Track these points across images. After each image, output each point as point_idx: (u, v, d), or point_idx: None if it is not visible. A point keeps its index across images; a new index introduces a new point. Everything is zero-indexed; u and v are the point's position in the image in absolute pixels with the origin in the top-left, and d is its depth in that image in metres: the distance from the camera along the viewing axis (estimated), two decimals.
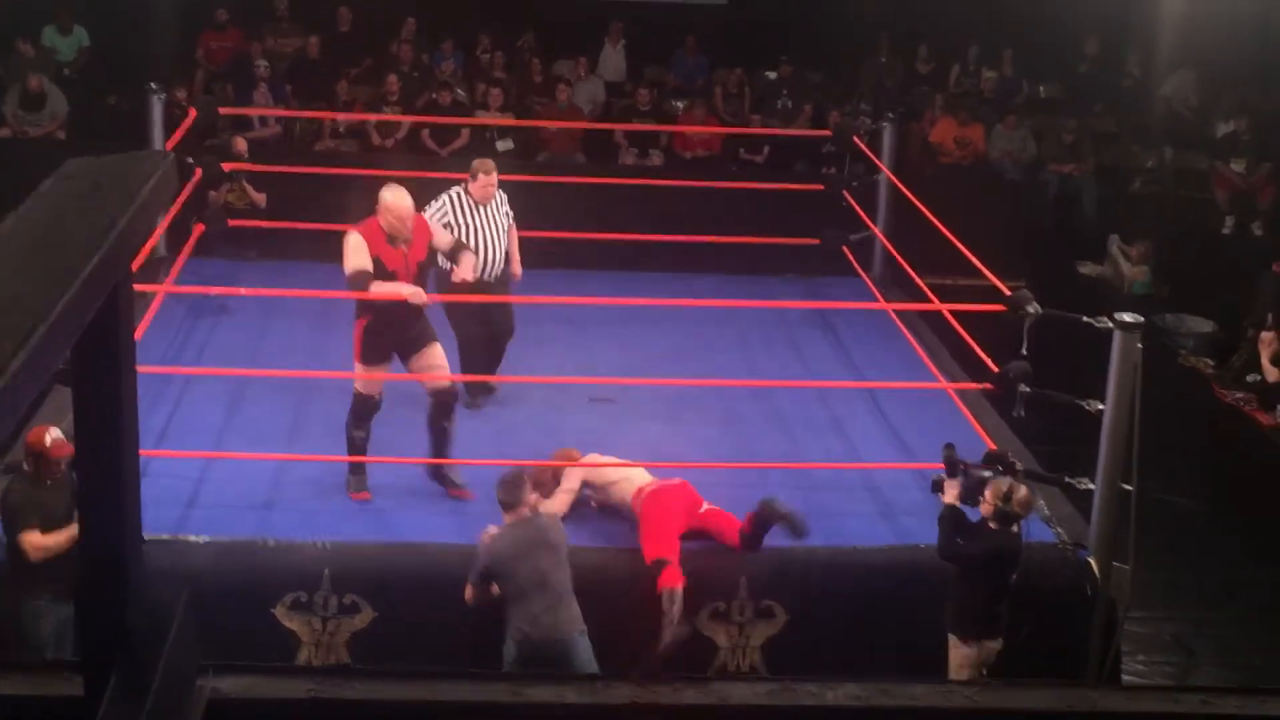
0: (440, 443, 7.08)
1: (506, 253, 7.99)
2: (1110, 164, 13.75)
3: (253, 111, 12.68)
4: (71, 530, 5.94)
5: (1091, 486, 6.71)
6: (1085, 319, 6.72)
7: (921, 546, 6.56)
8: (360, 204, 7.18)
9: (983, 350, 7.54)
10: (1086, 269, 13.01)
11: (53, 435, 6.06)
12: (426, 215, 7.38)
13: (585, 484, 6.96)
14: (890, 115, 11.12)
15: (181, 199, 8.73)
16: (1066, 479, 6.93)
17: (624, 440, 7.29)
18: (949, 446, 6.44)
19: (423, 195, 7.51)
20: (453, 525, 6.76)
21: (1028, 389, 6.87)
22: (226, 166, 10.03)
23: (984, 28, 14.42)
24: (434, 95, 12.88)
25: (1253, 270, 11.54)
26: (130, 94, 12.18)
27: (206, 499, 6.87)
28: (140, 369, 2.17)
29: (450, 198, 7.88)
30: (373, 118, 12.69)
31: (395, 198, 6.82)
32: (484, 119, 12.81)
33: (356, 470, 7.04)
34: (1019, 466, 6.61)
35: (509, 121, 12.86)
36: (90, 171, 2.01)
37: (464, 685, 2.39)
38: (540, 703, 2.37)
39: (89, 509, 2.11)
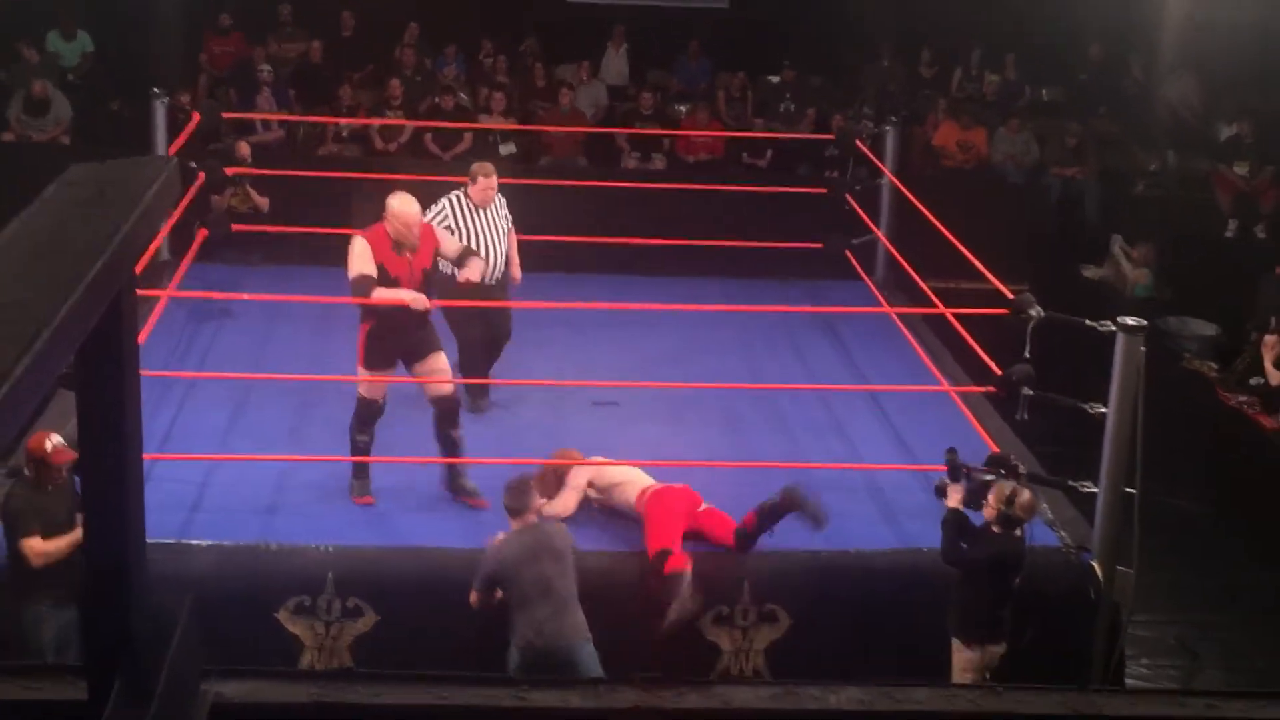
0: (450, 454, 7.07)
1: (506, 256, 8.00)
2: (1113, 167, 13.75)
3: (256, 116, 12.69)
4: (72, 536, 5.94)
5: (1095, 490, 6.71)
6: (1088, 322, 6.72)
7: (924, 550, 6.55)
8: (363, 208, 7.19)
9: (985, 353, 7.54)
10: (1089, 272, 13.00)
11: (53, 441, 6.06)
12: (426, 219, 7.39)
13: (589, 486, 6.97)
14: (893, 119, 11.14)
15: (185, 203, 8.74)
16: (1069, 482, 6.93)
17: (626, 443, 7.30)
18: (951, 451, 6.44)
19: (425, 200, 7.52)
20: (456, 529, 6.76)
21: (1030, 392, 6.87)
22: (230, 171, 10.03)
23: (986, 31, 14.43)
24: (437, 100, 12.88)
25: (1255, 273, 11.54)
26: (134, 99, 12.21)
27: (210, 503, 6.88)
28: (144, 373, 2.17)
29: (450, 201, 7.89)
30: (376, 122, 12.70)
31: (403, 205, 6.83)
32: (487, 123, 12.82)
33: (360, 474, 7.04)
34: (1022, 470, 6.60)
35: (511, 126, 12.87)
36: (94, 177, 2.01)
37: (467, 689, 2.38)
38: (544, 707, 2.36)
39: (93, 513, 2.11)
